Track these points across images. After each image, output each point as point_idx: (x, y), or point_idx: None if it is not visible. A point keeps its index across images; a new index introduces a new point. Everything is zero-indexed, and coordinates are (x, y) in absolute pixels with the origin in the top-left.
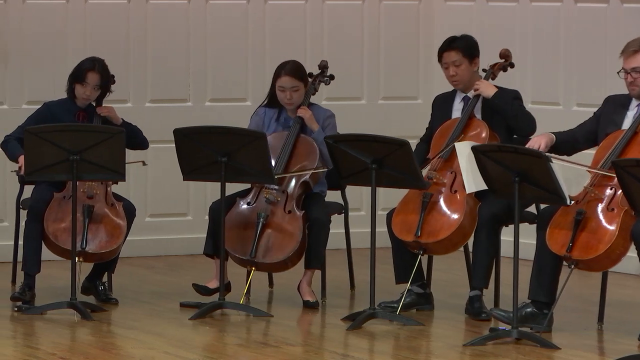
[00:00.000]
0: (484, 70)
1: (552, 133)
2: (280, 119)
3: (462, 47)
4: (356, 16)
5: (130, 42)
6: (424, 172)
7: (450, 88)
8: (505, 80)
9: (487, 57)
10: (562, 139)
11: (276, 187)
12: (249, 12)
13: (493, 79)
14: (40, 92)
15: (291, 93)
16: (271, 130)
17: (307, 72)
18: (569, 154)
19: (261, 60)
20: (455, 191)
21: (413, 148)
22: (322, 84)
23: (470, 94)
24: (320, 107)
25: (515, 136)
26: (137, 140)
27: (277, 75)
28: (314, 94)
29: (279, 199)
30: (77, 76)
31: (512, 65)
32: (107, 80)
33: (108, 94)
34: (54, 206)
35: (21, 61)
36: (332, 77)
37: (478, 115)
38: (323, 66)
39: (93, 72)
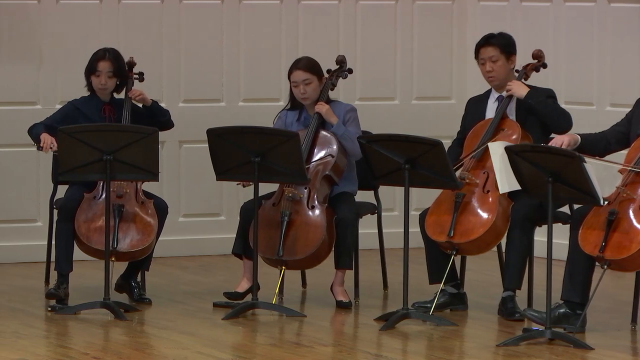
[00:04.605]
0: (516, 71)
1: (580, 135)
2: (301, 119)
3: (500, 43)
4: (389, 16)
5: (163, 43)
6: (457, 173)
7: (483, 89)
8: (538, 80)
9: (521, 57)
10: (591, 140)
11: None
12: (282, 12)
13: (526, 79)
14: (73, 92)
15: (304, 86)
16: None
17: (327, 69)
18: (601, 156)
19: (294, 60)
20: (488, 191)
21: (446, 148)
22: (340, 79)
23: (504, 93)
24: (341, 102)
25: (552, 135)
26: (164, 118)
27: (289, 73)
28: (332, 89)
29: (301, 196)
30: (90, 68)
31: (544, 66)
32: (121, 67)
33: (130, 81)
34: (84, 206)
35: (54, 61)
36: (350, 71)
37: (512, 117)
38: (340, 61)
39: (103, 60)
